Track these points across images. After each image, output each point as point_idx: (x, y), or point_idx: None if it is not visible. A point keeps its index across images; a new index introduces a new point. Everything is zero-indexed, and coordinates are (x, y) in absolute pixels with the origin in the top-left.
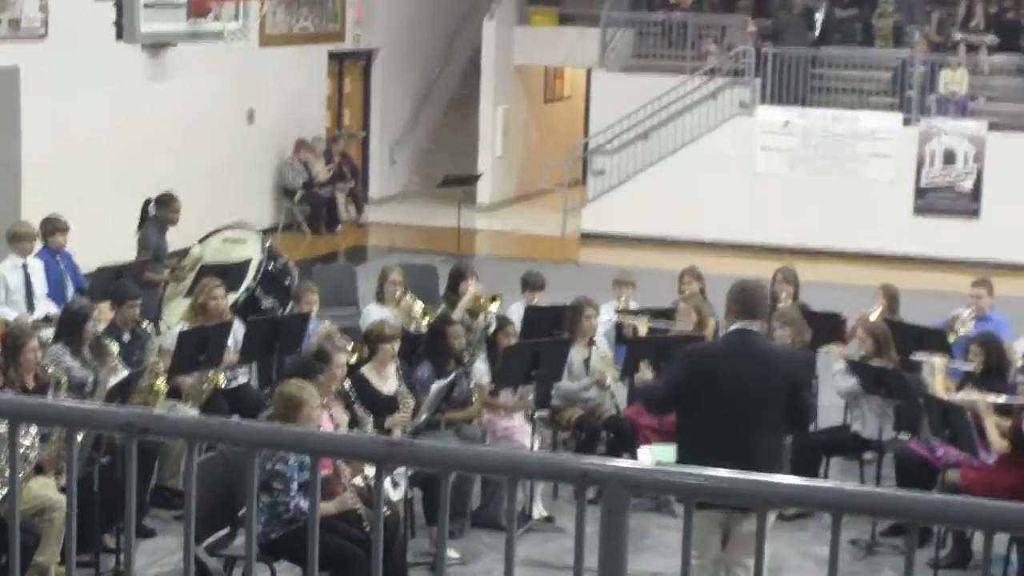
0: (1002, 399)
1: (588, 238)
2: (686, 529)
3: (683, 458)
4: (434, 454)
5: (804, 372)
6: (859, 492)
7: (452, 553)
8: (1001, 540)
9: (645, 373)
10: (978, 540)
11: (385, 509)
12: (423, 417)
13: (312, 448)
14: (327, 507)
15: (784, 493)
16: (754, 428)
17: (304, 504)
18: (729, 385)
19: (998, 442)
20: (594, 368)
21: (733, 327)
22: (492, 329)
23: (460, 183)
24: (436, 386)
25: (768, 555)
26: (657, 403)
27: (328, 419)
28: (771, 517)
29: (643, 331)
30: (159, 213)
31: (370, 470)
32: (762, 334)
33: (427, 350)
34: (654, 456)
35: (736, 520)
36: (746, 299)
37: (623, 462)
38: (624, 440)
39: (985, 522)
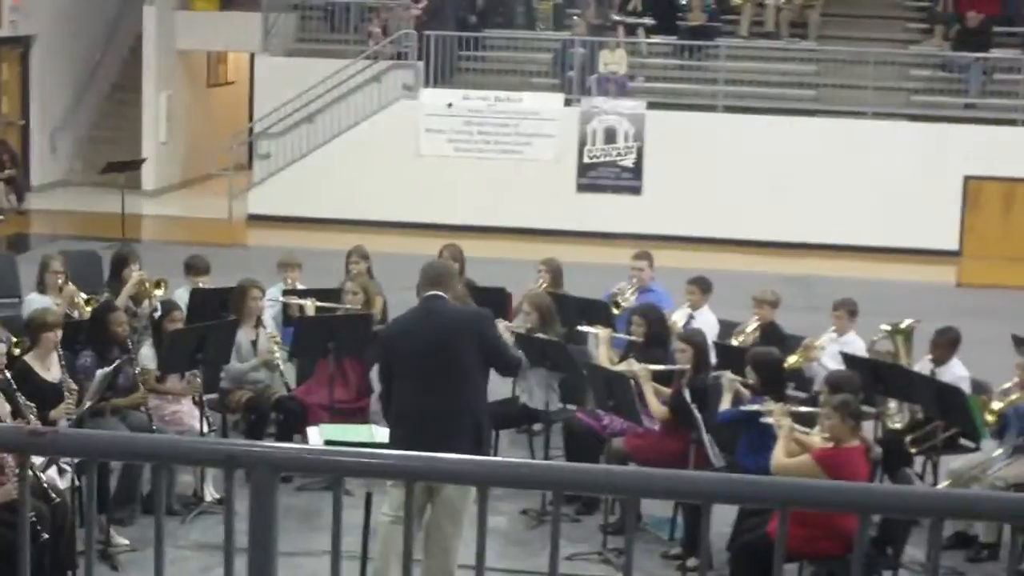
0: (663, 368)
1: (255, 221)
2: (336, 509)
3: (393, 420)
4: (78, 442)
5: (487, 325)
6: (514, 465)
7: (122, 540)
8: (668, 503)
9: None
10: (648, 503)
11: (54, 497)
12: (87, 405)
13: None
14: None
15: (441, 468)
16: (449, 387)
17: None
18: (418, 348)
19: (658, 410)
20: (262, 349)
21: (423, 295)
22: (157, 314)
23: (123, 169)
24: (100, 373)
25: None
26: (382, 387)
27: None
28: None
29: (310, 311)
30: None
31: (36, 460)
32: (445, 298)
33: (90, 337)
34: (324, 436)
35: (437, 486)
36: (432, 274)
37: (269, 444)
38: (294, 420)
39: (647, 489)
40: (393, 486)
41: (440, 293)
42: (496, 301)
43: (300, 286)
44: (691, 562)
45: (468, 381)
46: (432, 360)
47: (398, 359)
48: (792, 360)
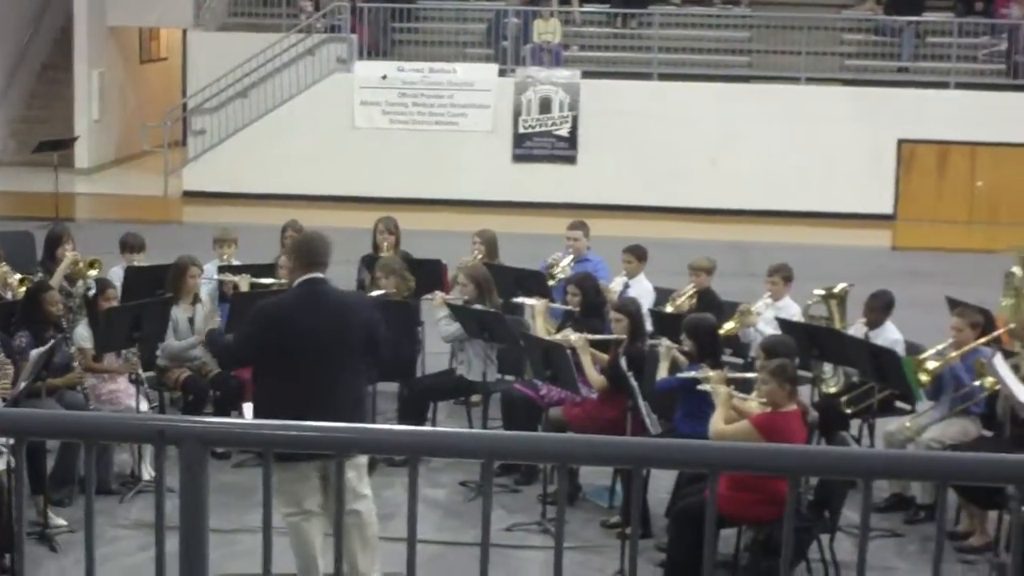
0: (599, 337)
1: (190, 197)
2: (266, 483)
3: (263, 413)
4: (6, 421)
5: (371, 312)
6: (452, 435)
7: (60, 520)
8: (607, 472)
9: None
10: (587, 472)
11: None
12: (22, 385)
13: None
14: None
15: (371, 439)
16: (331, 375)
17: None
18: (301, 335)
19: (596, 378)
20: (200, 327)
21: (302, 279)
22: (92, 293)
23: (56, 147)
24: (35, 353)
25: (381, 501)
26: (232, 358)
27: None
28: (361, 459)
29: (245, 287)
30: None
31: None
32: (328, 281)
33: (24, 318)
34: None
35: (328, 470)
36: (309, 250)
37: (198, 419)
38: (231, 397)
39: (577, 455)
40: (282, 483)
41: (320, 275)
42: (432, 273)
43: (236, 262)
44: (630, 530)
45: (354, 374)
46: (317, 352)
47: (277, 346)
48: (728, 326)
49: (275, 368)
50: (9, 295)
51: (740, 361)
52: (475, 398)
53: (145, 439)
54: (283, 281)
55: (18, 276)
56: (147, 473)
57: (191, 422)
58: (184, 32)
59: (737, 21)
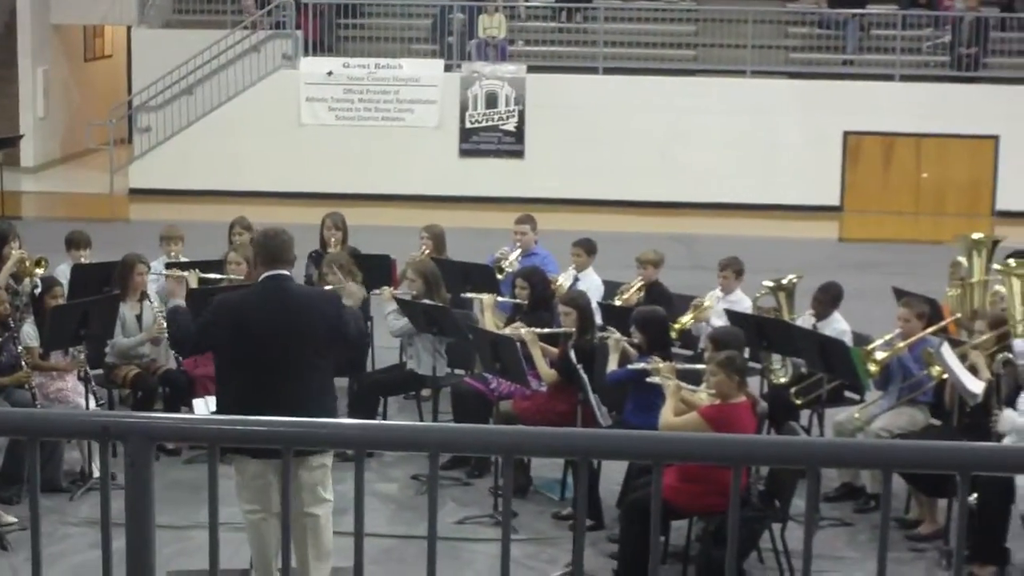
0: (548, 331)
1: (137, 194)
2: (211, 478)
3: (224, 408)
4: None
5: (336, 308)
6: (400, 428)
7: (10, 518)
8: (558, 464)
9: None
10: (538, 465)
11: None
12: None
13: None
14: None
15: (318, 434)
16: (294, 373)
17: None
18: (264, 332)
19: (546, 371)
20: (148, 324)
21: (264, 275)
22: (38, 291)
23: (1, 145)
24: None
25: (334, 497)
26: (189, 345)
27: None
28: (327, 460)
29: (193, 283)
30: None
31: None
32: (292, 278)
33: None
34: (210, 407)
35: (294, 467)
36: (270, 246)
37: (143, 414)
38: (181, 393)
39: (523, 447)
40: (245, 479)
41: (285, 272)
42: (380, 268)
43: (183, 259)
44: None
45: (318, 371)
46: (280, 349)
47: (237, 341)
48: (684, 320)
49: (235, 364)
50: None
51: (689, 353)
52: (425, 392)
53: (90, 435)
54: (232, 277)
55: None
56: (97, 470)
57: (136, 417)
58: (129, 29)
59: (682, 15)
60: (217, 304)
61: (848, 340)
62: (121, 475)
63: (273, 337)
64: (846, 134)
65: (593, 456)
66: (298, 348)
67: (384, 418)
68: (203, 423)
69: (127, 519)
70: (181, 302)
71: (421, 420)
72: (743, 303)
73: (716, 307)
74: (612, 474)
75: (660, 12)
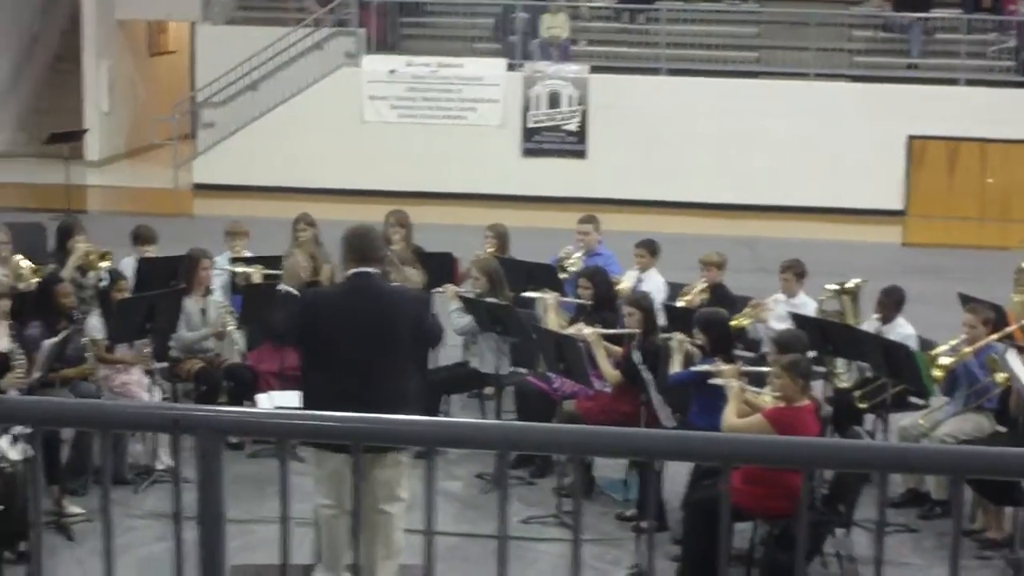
0: (612, 331)
1: (200, 190)
2: (282, 473)
3: (309, 404)
4: (24, 409)
5: (422, 308)
6: (463, 425)
7: (76, 509)
8: (621, 465)
9: None
10: (600, 465)
11: (6, 468)
12: (36, 375)
13: None
14: None
15: (388, 430)
16: (379, 370)
17: None
18: (351, 328)
19: (610, 372)
20: (212, 318)
21: (351, 271)
22: (104, 284)
23: (66, 139)
24: (48, 344)
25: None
26: (277, 334)
27: None
28: (404, 458)
29: (257, 279)
30: None
31: None
32: (380, 276)
33: (37, 308)
34: (273, 402)
35: (367, 465)
36: (359, 244)
37: (212, 408)
38: (245, 387)
39: (590, 448)
40: (323, 474)
41: (371, 270)
42: (443, 266)
43: (247, 254)
44: (645, 523)
45: (399, 371)
46: (365, 349)
47: (322, 341)
48: (740, 319)
49: (317, 360)
50: (21, 286)
51: (751, 355)
52: (488, 391)
53: (160, 428)
54: (301, 263)
55: (30, 266)
56: (161, 463)
57: (206, 411)
58: (192, 25)
59: (745, 17)
60: (305, 299)
61: (913, 345)
62: (187, 469)
63: (355, 334)
64: (911, 138)
65: (665, 457)
66: (380, 346)
67: (446, 416)
68: (274, 417)
69: (199, 512)
70: (292, 289)
71: (483, 417)
72: (807, 306)
73: (778, 310)
74: (675, 475)
75: (723, 14)
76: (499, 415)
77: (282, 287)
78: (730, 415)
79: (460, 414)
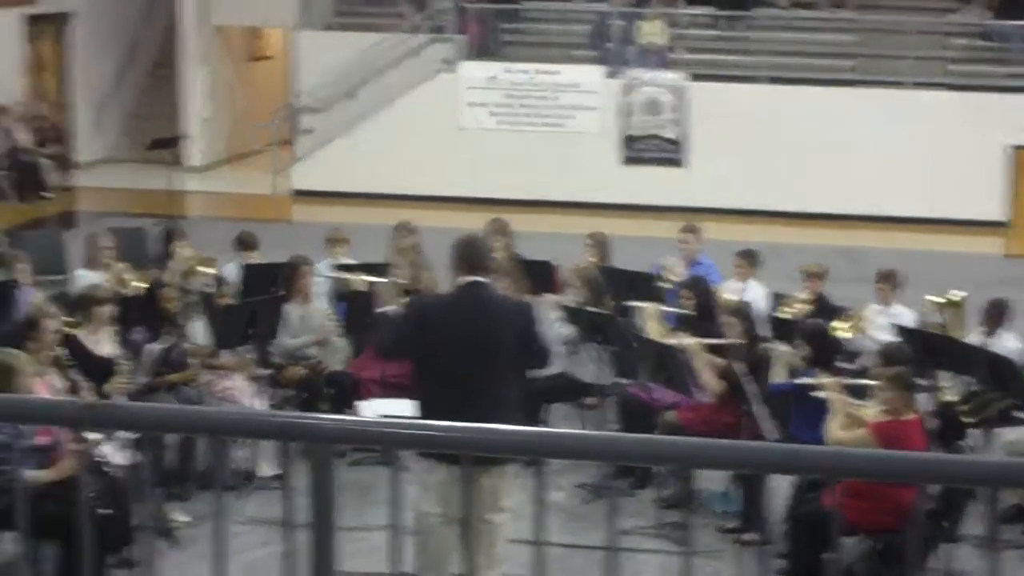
0: (714, 341)
1: (300, 196)
2: (393, 481)
3: (423, 414)
4: (133, 415)
5: (532, 319)
6: (571, 436)
7: (180, 515)
8: (722, 477)
9: None
10: (700, 477)
11: (113, 472)
12: (142, 380)
13: (14, 416)
14: (46, 474)
15: (496, 440)
16: (486, 379)
17: (27, 473)
18: (461, 338)
19: (712, 383)
20: (314, 325)
21: (462, 281)
22: (208, 290)
23: (167, 145)
24: (153, 349)
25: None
26: (386, 348)
27: (44, 386)
28: (513, 470)
29: (360, 286)
30: None
31: (92, 436)
32: (491, 286)
33: (140, 314)
34: (375, 410)
35: (476, 475)
36: (470, 253)
37: (324, 416)
38: (347, 395)
39: (695, 459)
40: (433, 482)
41: (482, 280)
42: (542, 274)
43: (347, 261)
44: (748, 536)
45: (506, 384)
46: (474, 360)
47: (431, 351)
48: (840, 330)
49: (429, 369)
50: (125, 291)
51: (853, 367)
52: (589, 400)
53: (272, 435)
54: (397, 280)
55: (132, 272)
56: (263, 470)
57: (316, 419)
58: (290, 31)
59: (843, 25)
60: (412, 308)
61: (1018, 359)
62: (292, 476)
63: (462, 343)
64: (1015, 148)
65: (771, 471)
66: (486, 358)
67: (547, 425)
68: (382, 426)
69: (312, 519)
70: (391, 308)
71: (584, 428)
72: (903, 316)
73: (878, 321)
74: (775, 488)
75: (820, 22)
76: (600, 426)
77: (383, 309)
78: (834, 428)
79: (561, 424)
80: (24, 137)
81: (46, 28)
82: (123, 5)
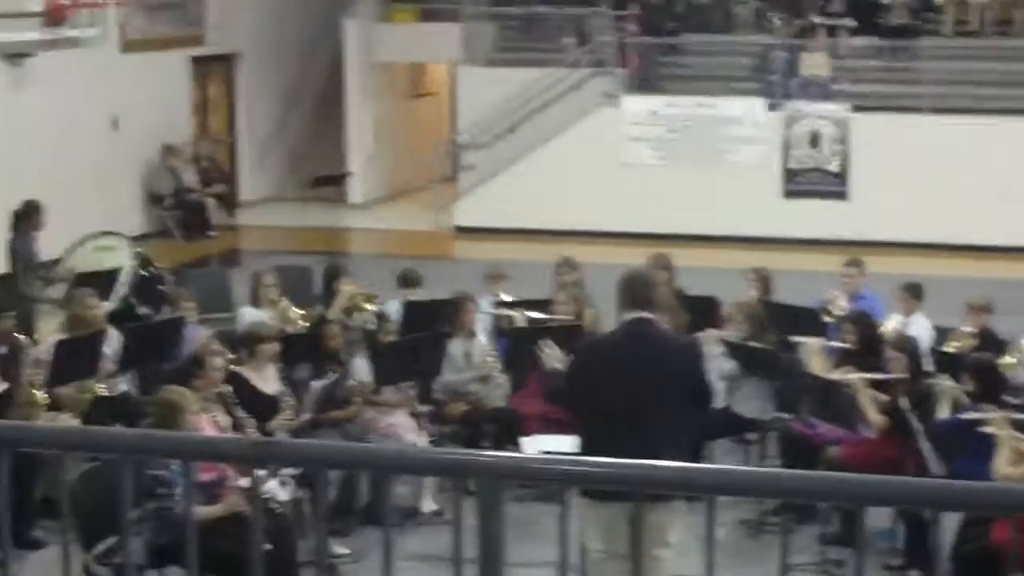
0: (878, 376)
1: (462, 232)
2: (563, 517)
3: (587, 451)
4: (300, 452)
5: (698, 358)
6: (739, 473)
7: (342, 549)
8: (885, 513)
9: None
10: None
11: (277, 508)
12: (306, 417)
13: (182, 453)
14: (213, 510)
15: (665, 477)
16: (652, 416)
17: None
18: (626, 374)
19: (876, 418)
20: (476, 361)
21: (628, 317)
22: (370, 327)
23: (331, 183)
24: (318, 386)
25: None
26: (561, 396)
27: (209, 423)
28: (681, 506)
29: (522, 322)
30: (24, 223)
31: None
32: (657, 322)
33: (305, 351)
34: (538, 446)
35: (643, 511)
36: (636, 288)
37: (494, 453)
38: (509, 431)
39: (863, 497)
40: (596, 519)
41: (649, 316)
42: (705, 309)
43: (506, 298)
44: (913, 573)
45: (668, 424)
46: (638, 397)
47: (594, 388)
48: (1007, 364)
49: (587, 408)
50: (289, 328)
51: (1019, 402)
52: (751, 436)
53: (441, 472)
54: (560, 317)
55: (298, 311)
56: (426, 506)
57: (486, 456)
58: (452, 67)
59: (1009, 53)
60: (581, 349)
61: None
62: (450, 510)
63: (626, 382)
64: None
65: (944, 508)
66: (650, 395)
67: (708, 462)
68: (553, 463)
69: (479, 555)
70: (557, 365)
71: (747, 464)
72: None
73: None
74: (943, 525)
75: (988, 50)
76: (763, 461)
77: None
78: (1002, 464)
79: (723, 460)
80: (191, 177)
81: (213, 68)
82: (288, 44)
